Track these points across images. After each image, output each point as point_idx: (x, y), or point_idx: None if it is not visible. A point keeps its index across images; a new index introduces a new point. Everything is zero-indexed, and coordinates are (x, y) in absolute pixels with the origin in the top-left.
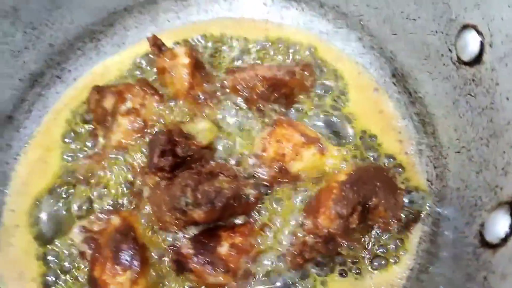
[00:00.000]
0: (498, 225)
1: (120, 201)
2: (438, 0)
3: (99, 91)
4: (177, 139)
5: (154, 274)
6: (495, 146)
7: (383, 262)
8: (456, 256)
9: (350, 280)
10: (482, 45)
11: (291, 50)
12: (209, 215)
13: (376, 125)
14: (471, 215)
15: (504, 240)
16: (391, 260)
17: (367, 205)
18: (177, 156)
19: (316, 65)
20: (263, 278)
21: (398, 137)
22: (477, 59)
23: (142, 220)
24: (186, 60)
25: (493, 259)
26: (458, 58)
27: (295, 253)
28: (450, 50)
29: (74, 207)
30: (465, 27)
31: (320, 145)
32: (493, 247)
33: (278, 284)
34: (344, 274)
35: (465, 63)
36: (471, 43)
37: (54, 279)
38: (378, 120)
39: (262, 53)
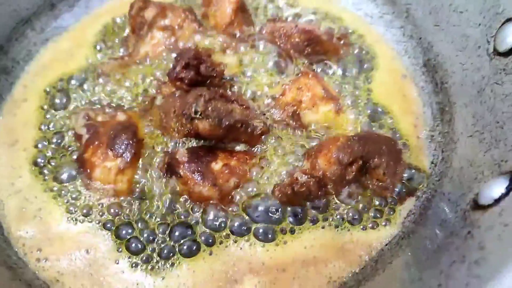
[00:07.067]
0: (494, 190)
1: (129, 104)
2: None
3: (144, 0)
4: (204, 58)
5: (140, 171)
6: (510, 127)
7: (367, 224)
8: (443, 221)
9: (327, 230)
10: None
11: (333, 25)
12: (213, 130)
13: (396, 106)
14: (468, 187)
15: (497, 201)
16: (372, 226)
17: (368, 163)
18: (199, 74)
19: (354, 40)
20: (244, 205)
21: (414, 122)
22: None
23: (146, 125)
24: None
25: (482, 217)
26: (495, 49)
27: (284, 184)
28: (488, 42)
29: (86, 94)
30: (509, 20)
31: (338, 104)
32: (485, 208)
33: (256, 214)
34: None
35: (500, 54)
36: (510, 35)
37: (45, 152)
38: (400, 102)
39: (304, 19)
